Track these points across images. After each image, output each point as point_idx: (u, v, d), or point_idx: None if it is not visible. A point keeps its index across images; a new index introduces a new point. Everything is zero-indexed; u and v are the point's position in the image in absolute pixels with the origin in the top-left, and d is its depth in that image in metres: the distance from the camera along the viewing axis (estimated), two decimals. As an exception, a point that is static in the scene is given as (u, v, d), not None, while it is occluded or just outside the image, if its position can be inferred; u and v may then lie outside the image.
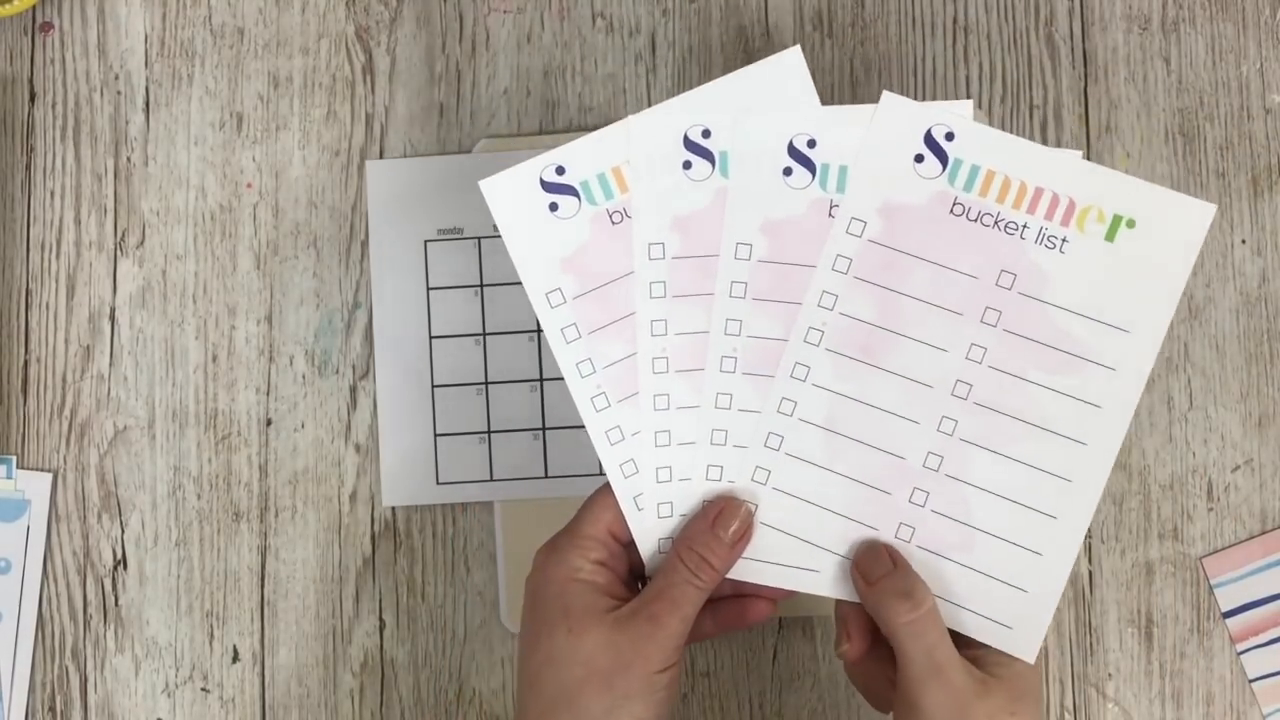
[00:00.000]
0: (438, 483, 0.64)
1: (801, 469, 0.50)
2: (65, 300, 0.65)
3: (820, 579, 0.50)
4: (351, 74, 0.66)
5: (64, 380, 0.65)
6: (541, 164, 0.50)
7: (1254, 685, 0.63)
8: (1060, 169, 0.49)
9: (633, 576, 0.52)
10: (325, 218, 0.66)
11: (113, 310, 0.65)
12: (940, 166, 0.49)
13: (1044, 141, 0.65)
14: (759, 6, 0.66)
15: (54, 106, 0.66)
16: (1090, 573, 0.64)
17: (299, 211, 0.66)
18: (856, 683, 0.52)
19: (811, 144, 0.50)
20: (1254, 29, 0.66)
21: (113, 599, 0.64)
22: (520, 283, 0.52)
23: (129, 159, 0.66)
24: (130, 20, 0.66)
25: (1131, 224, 0.48)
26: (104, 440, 0.65)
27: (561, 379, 0.56)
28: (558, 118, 0.66)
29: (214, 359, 0.65)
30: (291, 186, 0.66)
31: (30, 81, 0.66)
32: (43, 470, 0.65)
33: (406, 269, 0.64)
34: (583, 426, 0.52)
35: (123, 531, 0.64)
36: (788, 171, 0.50)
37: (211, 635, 0.64)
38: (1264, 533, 0.64)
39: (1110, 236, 0.49)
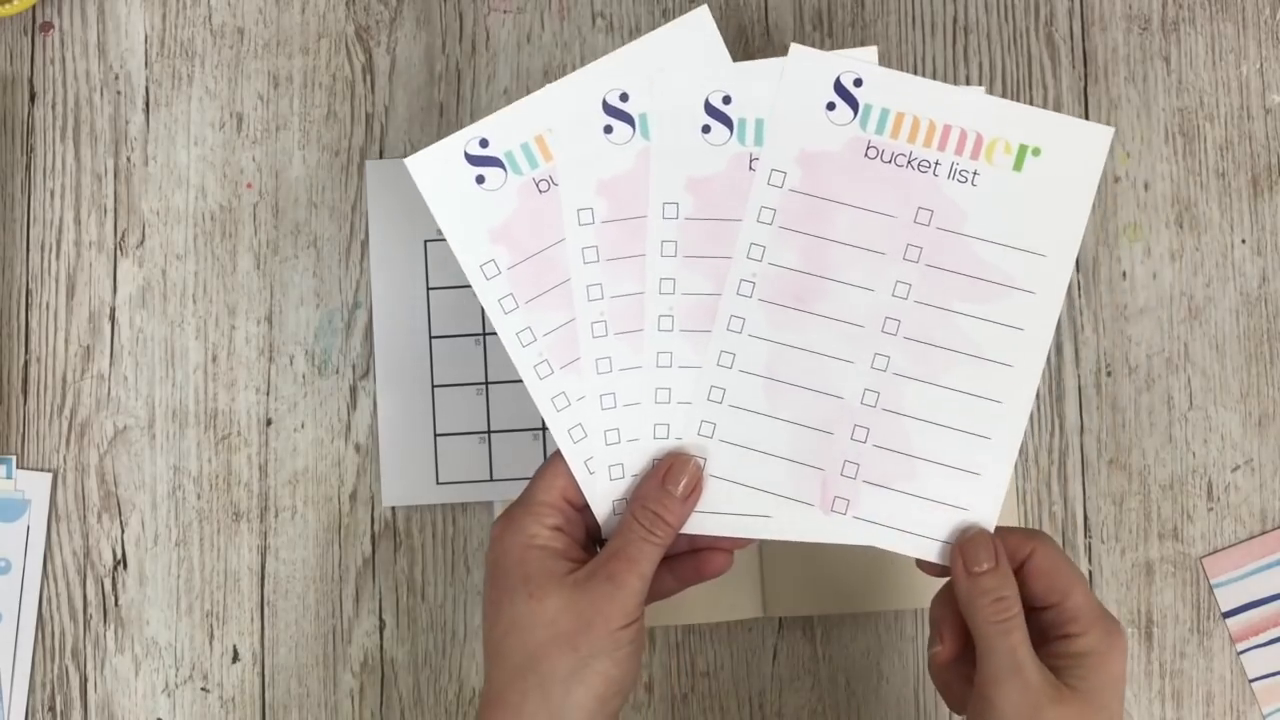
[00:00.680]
0: (438, 483, 0.64)
1: (746, 418, 0.52)
2: (65, 300, 0.65)
3: (773, 524, 0.52)
4: (351, 74, 0.66)
5: (64, 380, 0.65)
6: (465, 137, 0.51)
7: (1254, 685, 0.63)
8: (965, 105, 0.50)
9: (590, 540, 0.53)
10: (325, 218, 0.66)
11: (113, 310, 0.65)
12: (852, 112, 0.51)
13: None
14: (759, 6, 0.66)
15: (54, 106, 0.66)
16: (1090, 572, 0.64)
17: (299, 211, 0.66)
18: (937, 681, 0.53)
19: (727, 100, 0.51)
20: (1254, 29, 0.66)
21: (113, 599, 0.64)
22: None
23: (129, 159, 0.66)
24: (130, 20, 0.66)
25: (1037, 152, 0.50)
26: (104, 440, 0.65)
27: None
28: (558, 118, 0.66)
29: (214, 359, 0.65)
30: (291, 186, 0.66)
31: (30, 81, 0.66)
32: (43, 470, 0.65)
33: (406, 269, 0.64)
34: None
35: (123, 531, 0.64)
36: (706, 129, 0.51)
37: (211, 635, 0.64)
38: (1264, 533, 0.64)
39: (1018, 166, 0.50)
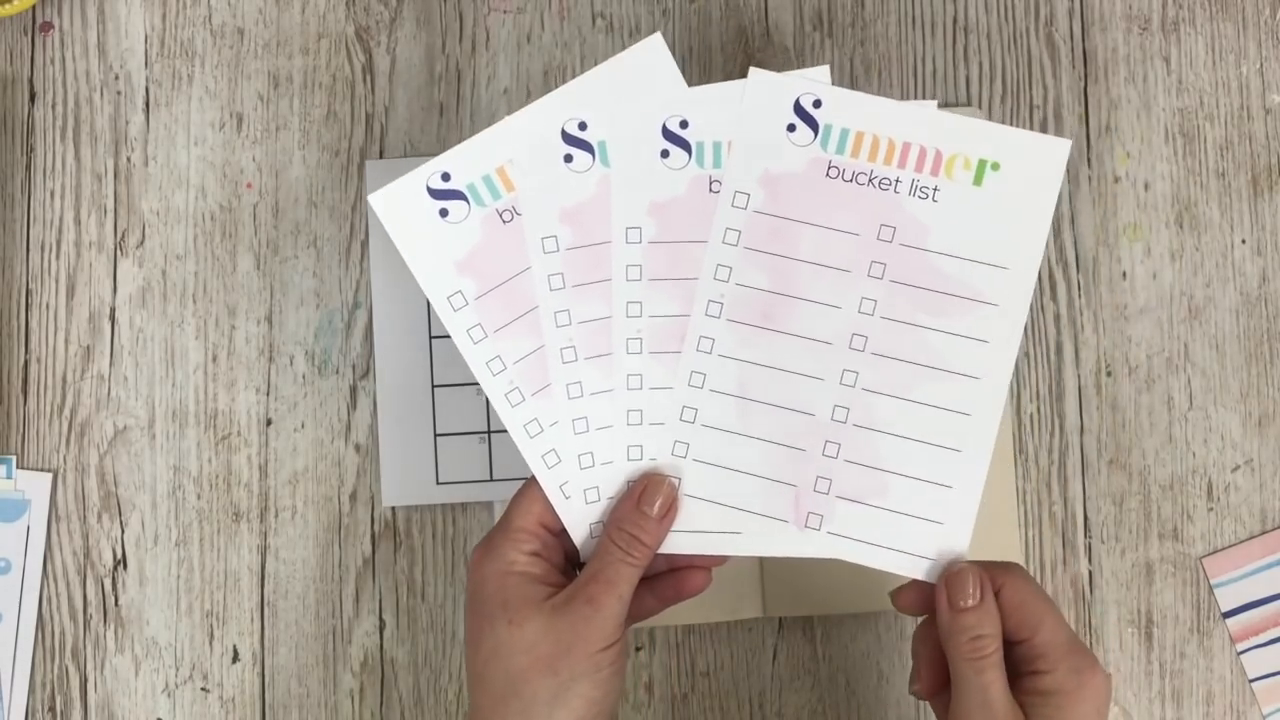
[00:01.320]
0: (438, 483, 0.64)
1: (719, 437, 0.52)
2: (65, 300, 0.65)
3: (747, 540, 0.52)
4: (351, 74, 0.66)
5: (64, 380, 0.65)
6: (427, 172, 0.52)
7: (1254, 685, 0.63)
8: (922, 122, 0.51)
9: (569, 564, 0.53)
10: (325, 218, 0.66)
11: (113, 310, 0.65)
12: (812, 134, 0.52)
13: (1044, 141, 0.65)
14: (759, 6, 0.66)
15: (54, 106, 0.66)
16: (1090, 573, 0.64)
17: (299, 211, 0.66)
18: (935, 709, 0.53)
19: (684, 124, 0.52)
20: (1254, 29, 0.66)
21: (113, 599, 0.64)
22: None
23: (129, 159, 0.66)
24: (130, 20, 0.66)
25: (996, 167, 0.51)
26: (104, 440, 0.65)
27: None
28: (558, 118, 0.66)
29: (214, 359, 0.65)
30: (291, 186, 0.66)
31: (30, 81, 0.66)
32: (43, 470, 0.65)
33: (406, 269, 0.64)
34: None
35: (123, 531, 0.64)
36: (665, 154, 0.52)
37: (211, 635, 0.64)
38: (1264, 533, 0.64)
39: (978, 181, 0.51)
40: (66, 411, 0.65)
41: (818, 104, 0.51)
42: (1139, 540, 0.64)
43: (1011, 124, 0.65)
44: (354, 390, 0.65)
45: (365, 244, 0.65)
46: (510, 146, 0.52)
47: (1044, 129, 0.65)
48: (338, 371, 0.65)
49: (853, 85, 0.65)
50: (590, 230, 0.52)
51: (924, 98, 0.65)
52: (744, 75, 0.52)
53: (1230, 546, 0.64)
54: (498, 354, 0.52)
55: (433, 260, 0.52)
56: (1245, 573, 0.64)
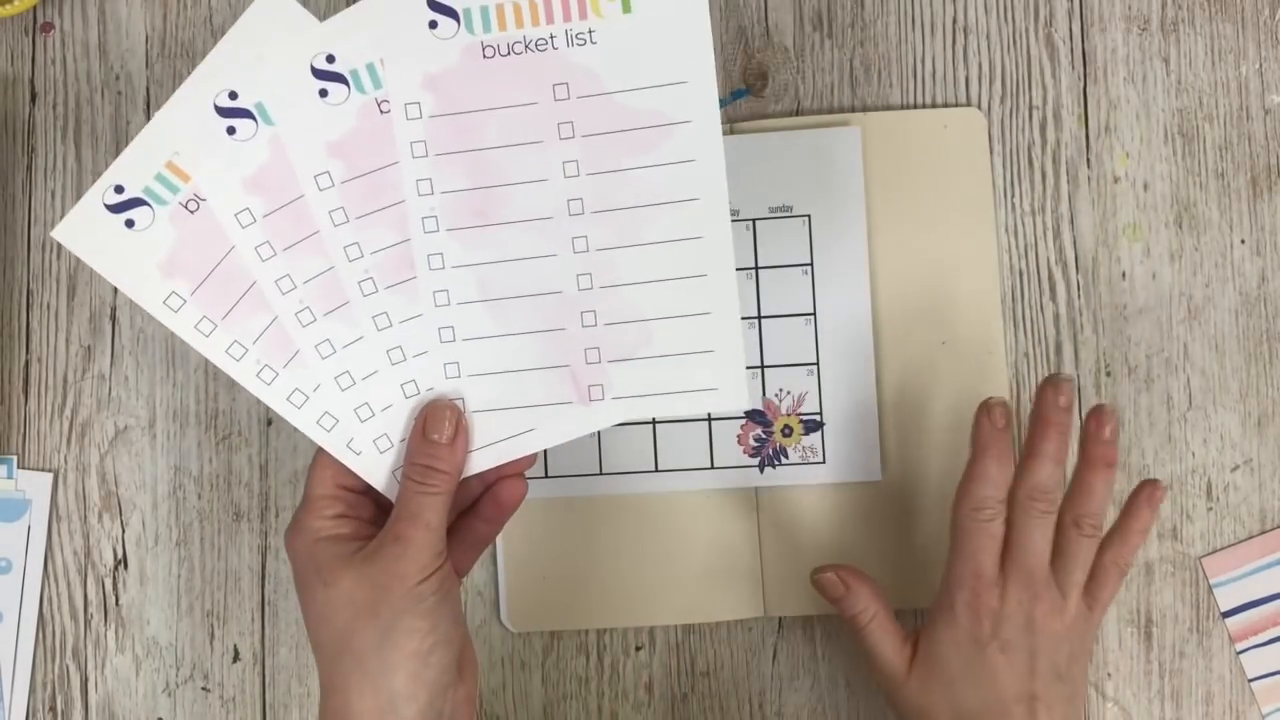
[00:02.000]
0: (438, 482, 0.64)
1: (483, 345, 0.52)
2: (66, 300, 0.65)
3: (543, 434, 0.52)
4: (352, 74, 0.66)
5: (65, 380, 0.65)
6: (98, 192, 0.51)
7: (1253, 685, 0.63)
8: None
9: (384, 515, 0.52)
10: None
11: (114, 310, 0.65)
12: (455, 23, 0.51)
13: (1043, 142, 0.65)
14: (759, 6, 0.66)
15: (55, 107, 0.66)
16: (1090, 572, 0.64)
17: (299, 212, 0.66)
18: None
19: (330, 59, 0.51)
20: (1253, 29, 0.66)
21: (113, 599, 0.64)
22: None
23: (130, 159, 0.66)
24: (131, 20, 0.66)
25: None
26: (105, 440, 0.65)
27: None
28: (558, 118, 0.66)
29: (214, 359, 0.65)
30: (292, 187, 0.66)
31: (31, 81, 0.66)
32: (43, 470, 0.65)
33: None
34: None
35: (123, 531, 0.65)
36: (323, 93, 0.51)
37: (212, 635, 0.64)
38: (1263, 532, 0.64)
39: (626, 8, 0.50)
40: (67, 411, 0.65)
41: None
42: (1138, 540, 0.64)
43: (1010, 125, 0.65)
44: (354, 390, 0.65)
45: (366, 244, 0.65)
46: (170, 139, 0.51)
47: (1043, 129, 0.65)
48: (338, 371, 0.65)
49: (853, 85, 0.65)
50: (280, 191, 0.52)
51: (924, 98, 0.66)
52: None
53: (1229, 546, 0.64)
54: (234, 339, 0.52)
55: (136, 272, 0.51)
56: (1244, 572, 0.64)
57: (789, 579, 0.63)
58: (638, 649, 0.64)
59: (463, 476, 0.52)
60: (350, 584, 0.49)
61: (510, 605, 0.63)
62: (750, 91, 0.65)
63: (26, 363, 0.65)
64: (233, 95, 0.51)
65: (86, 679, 0.64)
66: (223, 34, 0.66)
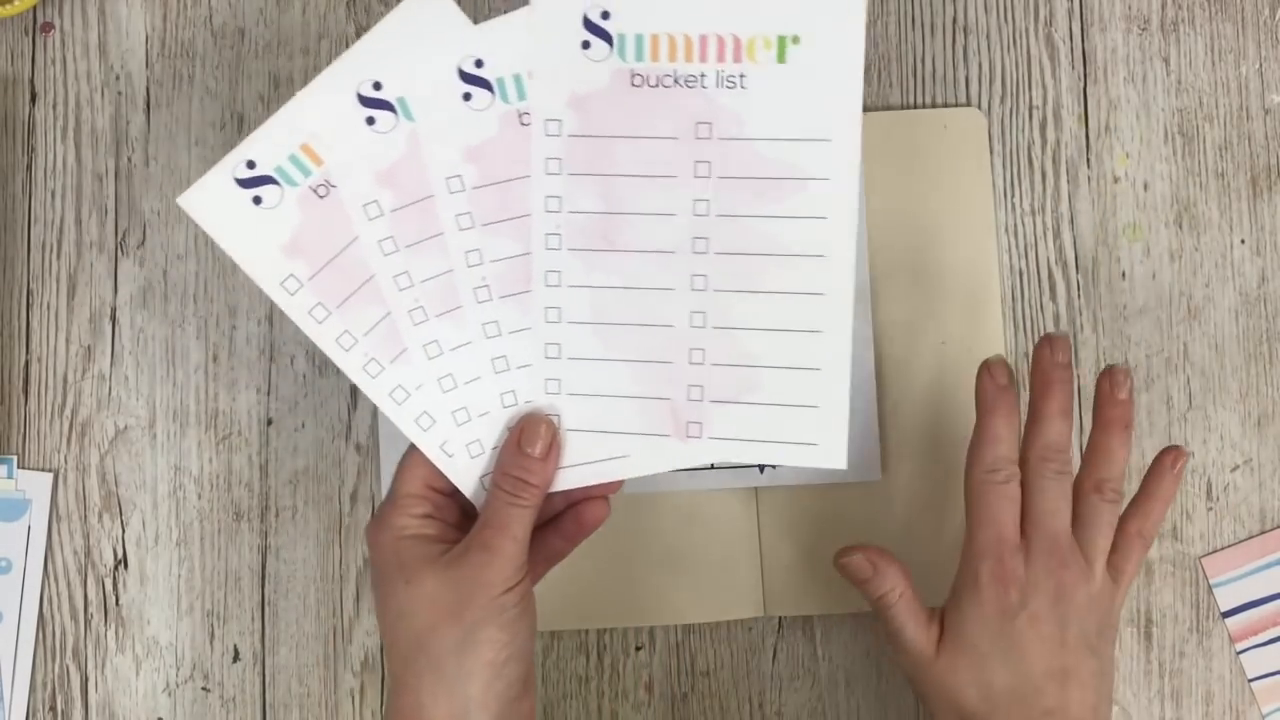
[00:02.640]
0: (438, 482, 0.64)
1: (586, 367, 0.52)
2: (66, 300, 0.65)
3: (635, 462, 0.52)
4: (352, 74, 0.66)
5: (65, 380, 0.65)
6: (231, 164, 0.51)
7: (1253, 685, 0.63)
8: (714, 11, 0.50)
9: (466, 520, 0.53)
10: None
11: (114, 310, 0.65)
12: (608, 46, 0.51)
13: (1043, 142, 0.65)
14: None
15: (55, 107, 0.66)
16: (1090, 572, 0.64)
17: (299, 211, 0.66)
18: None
19: (479, 64, 0.51)
20: (1254, 29, 0.66)
21: (113, 599, 0.64)
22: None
23: (130, 159, 0.66)
24: (131, 20, 0.66)
25: (796, 40, 0.50)
26: (105, 440, 0.65)
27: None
28: (558, 118, 0.66)
29: (215, 359, 0.65)
30: (292, 186, 0.66)
31: (31, 82, 0.66)
32: (43, 470, 0.65)
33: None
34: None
35: (123, 531, 0.65)
36: (467, 97, 0.51)
37: (212, 635, 0.64)
38: (1263, 532, 0.64)
39: (781, 58, 0.50)
40: (67, 411, 0.65)
41: (606, 15, 0.50)
42: (1138, 540, 0.64)
43: (1010, 125, 0.65)
44: (354, 390, 0.65)
45: (366, 244, 0.65)
46: (309, 121, 0.51)
47: (1044, 129, 0.65)
48: (338, 371, 0.65)
49: (852, 85, 0.66)
50: (410, 188, 0.51)
51: (924, 98, 0.66)
52: None
53: (1229, 546, 0.64)
54: (345, 329, 0.51)
55: (257, 250, 0.51)
56: (1244, 572, 0.64)
57: (789, 579, 0.63)
58: (638, 649, 0.64)
59: (549, 491, 0.52)
60: (433, 585, 0.49)
61: (510, 605, 0.63)
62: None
63: (26, 363, 0.65)
64: (377, 86, 0.51)
65: (86, 679, 0.64)
66: (222, 34, 0.66)
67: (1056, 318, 0.65)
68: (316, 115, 0.51)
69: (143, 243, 0.65)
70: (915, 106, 0.65)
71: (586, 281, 0.52)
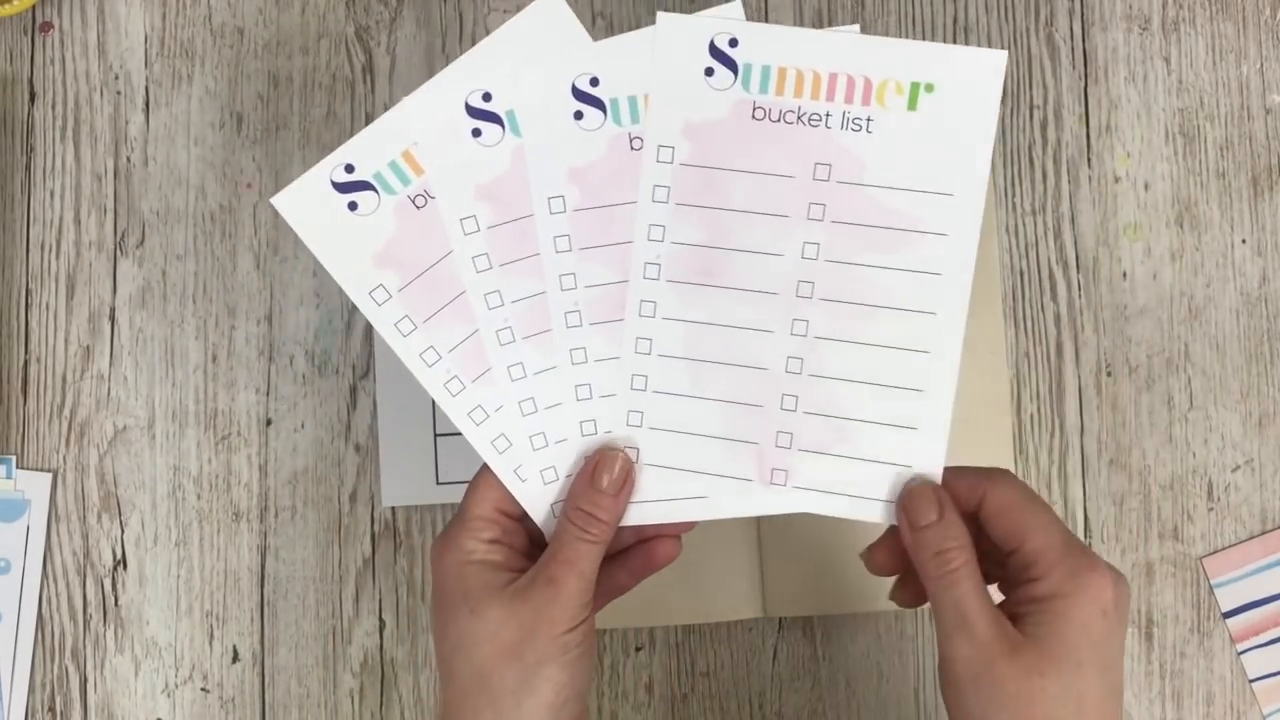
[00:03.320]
0: (438, 483, 0.64)
1: (673, 403, 0.50)
2: (65, 300, 0.65)
3: (715, 505, 0.51)
4: (351, 74, 0.66)
5: (64, 380, 0.65)
6: (329, 166, 0.49)
7: (1254, 685, 0.63)
8: (848, 50, 0.48)
9: (534, 548, 0.51)
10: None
11: (113, 310, 0.65)
12: (732, 75, 0.49)
13: (1044, 142, 0.65)
14: (759, 6, 0.66)
15: (54, 106, 0.66)
16: (1090, 573, 0.64)
17: (299, 211, 0.66)
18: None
19: (594, 82, 0.49)
20: (1254, 29, 0.66)
21: (113, 599, 0.64)
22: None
23: (129, 159, 0.66)
24: (130, 20, 0.66)
25: (930, 88, 0.48)
26: (104, 440, 0.65)
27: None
28: (558, 118, 0.66)
29: (214, 359, 0.65)
30: (291, 186, 0.66)
31: (30, 81, 0.66)
32: (42, 470, 0.65)
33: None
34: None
35: (122, 531, 0.64)
36: (578, 115, 0.50)
37: (211, 635, 0.64)
38: (1264, 533, 0.64)
39: (912, 105, 0.48)
40: (66, 411, 0.65)
41: (734, 43, 0.49)
42: (1139, 540, 0.64)
43: (1011, 125, 0.65)
44: (354, 390, 0.65)
45: (365, 244, 0.65)
46: (413, 128, 0.49)
47: (1044, 129, 0.65)
48: (338, 371, 0.65)
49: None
50: (510, 205, 0.50)
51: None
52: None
53: (1230, 546, 0.64)
54: (430, 344, 0.50)
55: (348, 257, 0.50)
56: (1245, 573, 0.64)
57: (789, 579, 0.63)
58: (638, 649, 0.64)
59: (621, 525, 0.50)
60: (497, 618, 0.48)
61: (510, 606, 0.63)
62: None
63: (25, 363, 0.65)
64: (486, 97, 0.49)
65: (86, 679, 0.64)
66: (222, 34, 0.66)
67: (1057, 317, 0.65)
68: (421, 122, 0.49)
69: (142, 243, 0.65)
70: (915, 106, 0.65)
71: (682, 315, 0.50)
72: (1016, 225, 0.65)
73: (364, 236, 0.50)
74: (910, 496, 0.48)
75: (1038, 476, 0.64)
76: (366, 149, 0.49)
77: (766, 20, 0.66)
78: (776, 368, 0.50)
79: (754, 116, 0.49)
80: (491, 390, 0.51)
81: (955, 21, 0.66)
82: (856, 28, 0.49)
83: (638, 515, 0.51)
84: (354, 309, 0.65)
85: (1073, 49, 0.66)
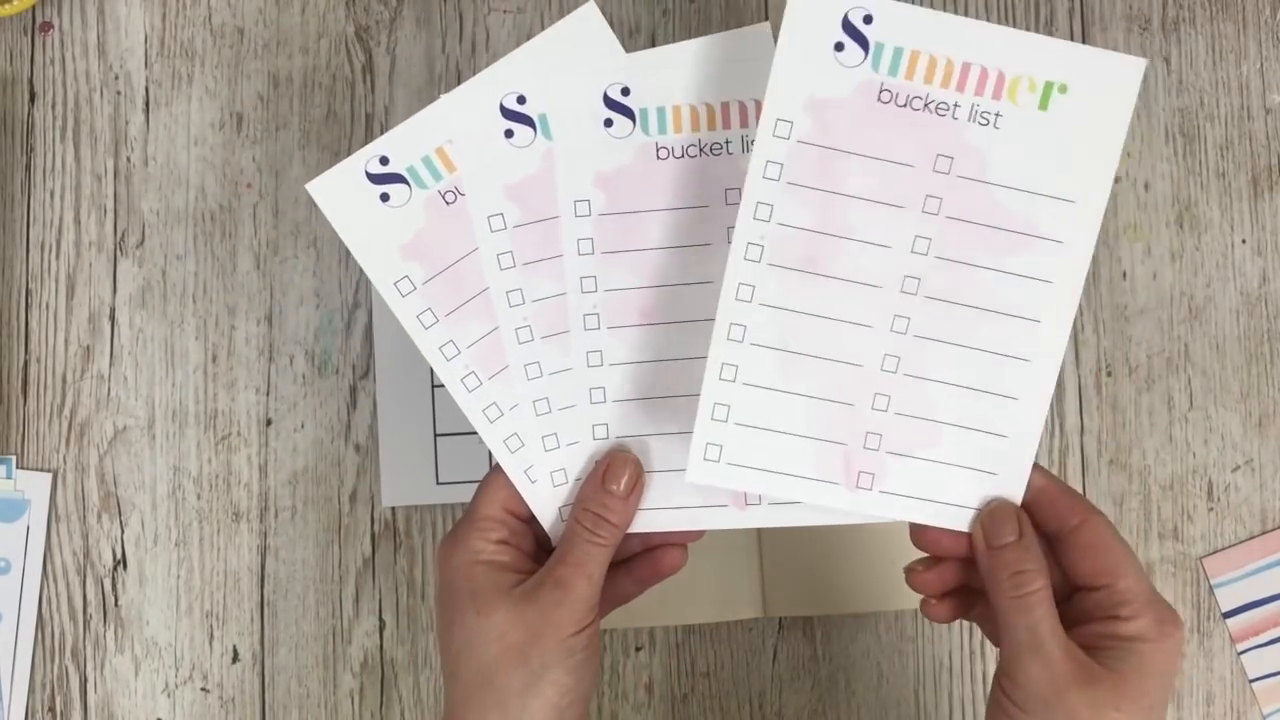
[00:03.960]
0: (438, 483, 0.64)
1: (761, 397, 0.48)
2: (65, 300, 0.65)
3: (729, 513, 0.50)
4: (351, 74, 0.66)
5: (64, 380, 0.65)
6: (365, 156, 0.50)
7: (1254, 685, 0.63)
8: (986, 40, 0.47)
9: (541, 550, 0.52)
10: (325, 218, 0.65)
11: (113, 310, 0.65)
12: (862, 53, 0.47)
13: (1044, 141, 0.65)
14: (759, 6, 0.66)
15: (54, 106, 0.66)
16: (1090, 573, 0.64)
17: (299, 211, 0.66)
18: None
19: (625, 91, 0.50)
20: (1254, 29, 0.66)
21: (112, 599, 0.64)
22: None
23: (129, 159, 0.66)
24: (130, 20, 0.66)
25: (1064, 89, 0.47)
26: (104, 440, 0.65)
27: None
28: (558, 118, 0.66)
29: (214, 359, 0.65)
30: (291, 186, 0.66)
31: (30, 81, 0.66)
32: (42, 470, 0.65)
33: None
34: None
35: (122, 531, 0.64)
36: (608, 123, 0.50)
37: (211, 635, 0.64)
38: (1264, 533, 0.64)
39: (1044, 105, 0.47)
40: (66, 411, 0.65)
41: (869, 19, 0.47)
42: (1139, 540, 0.64)
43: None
44: (354, 390, 0.65)
45: (365, 244, 0.65)
46: (448, 125, 0.50)
47: (1044, 129, 0.65)
48: (338, 371, 0.65)
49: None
50: (537, 206, 0.51)
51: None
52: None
53: (1230, 546, 0.64)
54: (450, 338, 0.51)
55: (377, 246, 0.51)
56: (1245, 573, 0.64)
57: (789, 579, 0.63)
58: (638, 649, 0.64)
59: (643, 532, 0.51)
60: (504, 619, 0.48)
61: (510, 606, 0.63)
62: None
63: (25, 363, 0.65)
64: (521, 99, 0.50)
65: (86, 679, 0.64)
66: (222, 34, 0.66)
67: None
68: (457, 120, 0.50)
69: (141, 243, 0.65)
70: (915, 106, 0.65)
71: (780, 303, 0.48)
72: (1016, 225, 0.65)
73: (393, 228, 0.51)
74: (991, 514, 0.48)
75: (1038, 476, 0.64)
76: (402, 143, 0.50)
77: (767, 17, 0.66)
78: (872, 364, 0.48)
79: (880, 99, 0.47)
80: (507, 388, 0.51)
81: (955, 21, 0.66)
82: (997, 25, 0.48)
83: (649, 521, 0.50)
84: (354, 309, 0.65)
85: (1073, 49, 0.66)
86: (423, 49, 0.66)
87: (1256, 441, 0.64)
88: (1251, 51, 0.66)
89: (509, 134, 0.51)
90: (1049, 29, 0.66)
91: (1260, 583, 0.64)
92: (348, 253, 0.65)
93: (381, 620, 0.64)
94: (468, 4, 0.66)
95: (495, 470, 0.51)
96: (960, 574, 0.50)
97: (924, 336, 0.48)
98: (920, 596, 0.51)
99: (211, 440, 0.65)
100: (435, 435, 0.64)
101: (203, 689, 0.64)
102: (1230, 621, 0.64)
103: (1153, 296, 0.65)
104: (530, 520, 0.51)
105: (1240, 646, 0.63)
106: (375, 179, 0.51)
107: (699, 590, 0.63)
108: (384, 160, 0.51)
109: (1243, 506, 0.64)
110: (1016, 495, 0.48)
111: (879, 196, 0.47)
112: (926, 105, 0.47)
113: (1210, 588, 0.64)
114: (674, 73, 0.50)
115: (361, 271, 0.65)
